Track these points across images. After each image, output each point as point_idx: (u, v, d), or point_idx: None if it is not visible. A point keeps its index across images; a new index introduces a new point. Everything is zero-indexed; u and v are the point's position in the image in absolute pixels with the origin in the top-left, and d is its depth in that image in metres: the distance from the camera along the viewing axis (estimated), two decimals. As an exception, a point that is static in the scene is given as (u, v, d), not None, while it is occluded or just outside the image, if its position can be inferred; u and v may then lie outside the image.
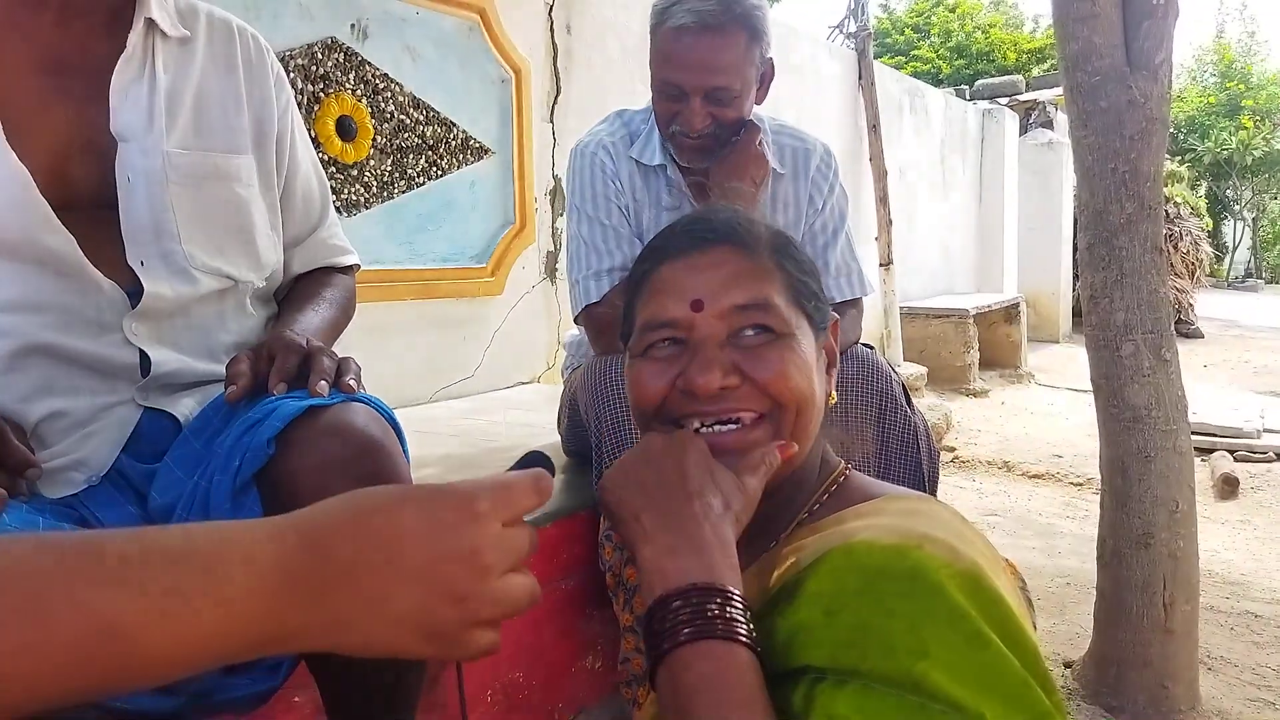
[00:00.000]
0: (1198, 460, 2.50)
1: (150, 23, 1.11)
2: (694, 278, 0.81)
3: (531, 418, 2.60)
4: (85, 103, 1.07)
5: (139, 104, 1.10)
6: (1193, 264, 10.38)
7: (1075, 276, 9.06)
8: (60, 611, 0.43)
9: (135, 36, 1.09)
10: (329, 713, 1.05)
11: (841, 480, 0.84)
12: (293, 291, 1.33)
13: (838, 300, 1.84)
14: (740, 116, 1.72)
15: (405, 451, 1.07)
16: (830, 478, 0.85)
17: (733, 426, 0.79)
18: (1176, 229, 9.97)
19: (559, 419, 2.04)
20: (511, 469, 0.64)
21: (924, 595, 0.63)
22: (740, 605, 0.66)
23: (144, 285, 1.07)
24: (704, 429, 0.80)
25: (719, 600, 0.65)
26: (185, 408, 1.11)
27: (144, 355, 1.09)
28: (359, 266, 1.41)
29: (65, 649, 0.43)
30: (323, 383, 1.02)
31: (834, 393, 0.86)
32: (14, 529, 0.87)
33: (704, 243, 0.83)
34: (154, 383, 1.10)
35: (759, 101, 1.76)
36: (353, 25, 2.60)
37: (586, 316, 1.78)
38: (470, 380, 3.02)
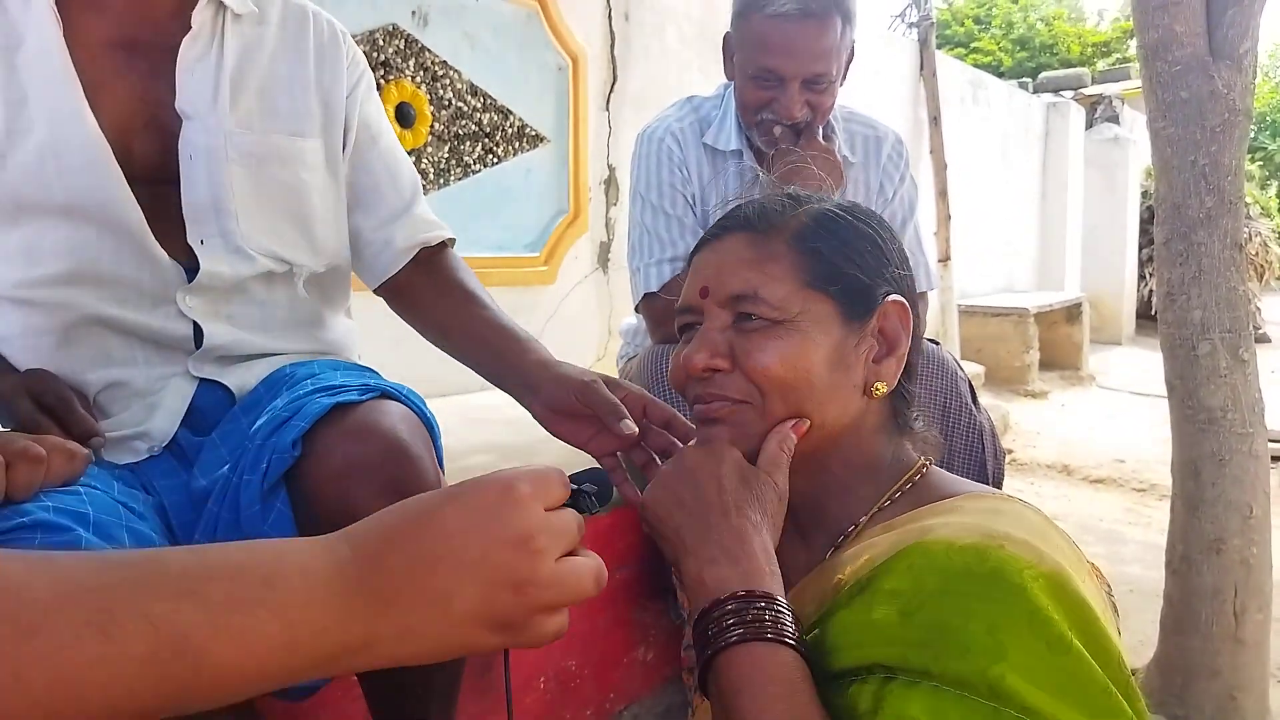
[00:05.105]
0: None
1: (219, 2, 1.12)
2: (707, 264, 0.84)
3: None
4: (151, 79, 1.09)
5: (205, 81, 1.10)
6: (1261, 266, 10.05)
7: (1140, 277, 8.85)
8: (130, 624, 0.44)
9: (201, 14, 1.10)
10: (371, 705, 1.06)
11: (918, 477, 0.82)
12: (450, 285, 1.26)
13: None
14: (834, 101, 1.71)
15: (439, 448, 1.06)
16: (906, 474, 0.82)
17: (719, 404, 0.82)
18: (1246, 229, 9.66)
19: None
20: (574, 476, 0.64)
21: (1004, 597, 0.61)
22: (783, 608, 0.67)
23: (201, 263, 1.08)
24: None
25: (761, 604, 0.66)
26: (239, 379, 1.12)
27: (197, 328, 1.11)
28: (454, 240, 1.35)
29: (138, 662, 0.44)
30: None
31: (881, 384, 0.82)
32: (96, 489, 0.90)
33: (724, 230, 0.85)
34: (207, 355, 1.11)
35: (840, 84, 1.74)
36: (413, 12, 2.61)
37: (646, 305, 1.76)
38: (522, 369, 3.00)
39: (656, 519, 0.77)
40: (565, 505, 0.58)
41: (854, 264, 0.81)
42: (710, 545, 0.71)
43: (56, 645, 0.42)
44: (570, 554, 0.57)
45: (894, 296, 0.83)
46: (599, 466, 0.76)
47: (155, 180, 1.07)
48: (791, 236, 0.82)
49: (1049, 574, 0.62)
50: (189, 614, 0.46)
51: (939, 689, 0.59)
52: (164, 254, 1.07)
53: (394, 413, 0.99)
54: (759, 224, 0.83)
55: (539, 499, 0.55)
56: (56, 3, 1.03)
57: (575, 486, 0.62)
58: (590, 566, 0.57)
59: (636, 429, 0.99)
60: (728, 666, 0.64)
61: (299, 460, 0.95)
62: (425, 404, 1.09)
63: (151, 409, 1.08)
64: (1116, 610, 0.75)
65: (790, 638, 0.65)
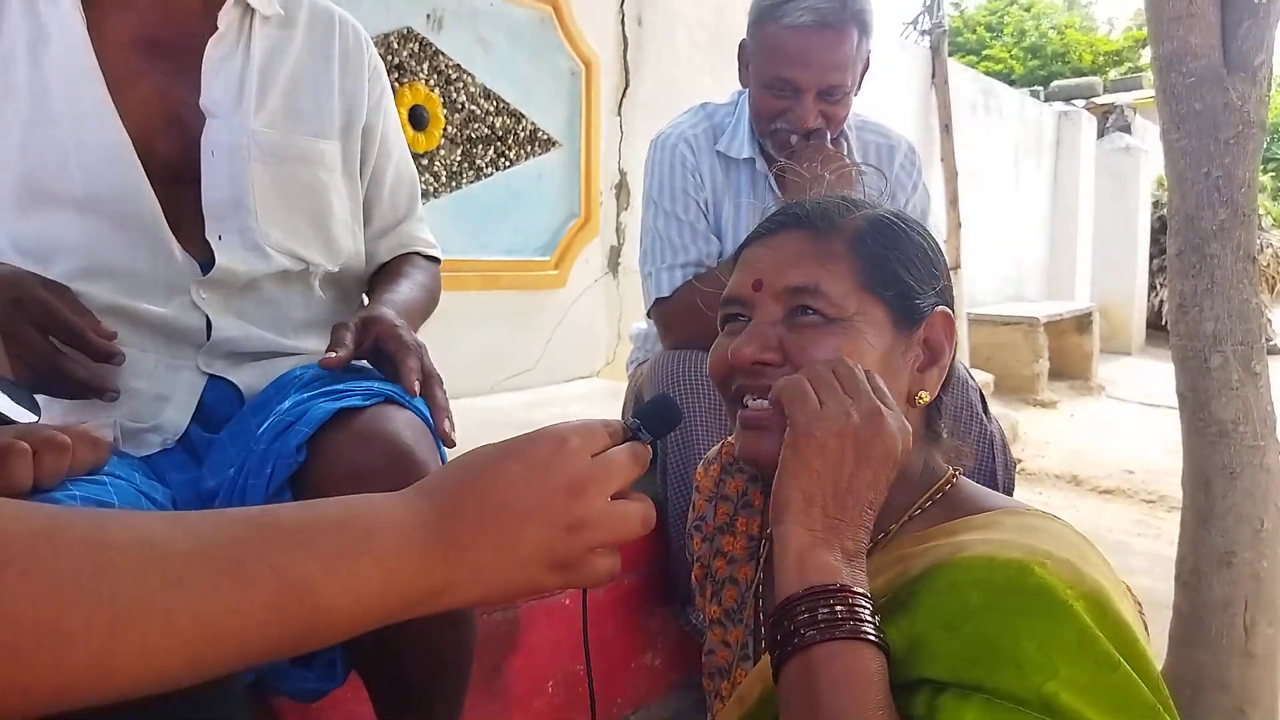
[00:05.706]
0: None
1: (245, 4, 1.14)
2: (762, 258, 0.83)
3: (592, 411, 2.59)
4: (175, 78, 1.10)
5: (230, 80, 1.12)
6: (1274, 278, 10.03)
7: (1151, 287, 8.82)
8: (258, 573, 0.49)
9: (228, 15, 1.12)
10: (376, 708, 1.06)
11: (948, 487, 0.81)
12: (383, 270, 1.34)
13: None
14: (849, 112, 1.72)
15: (442, 456, 1.06)
16: (936, 484, 0.81)
17: (766, 403, 0.79)
18: (1259, 241, 9.62)
19: (623, 413, 2.02)
20: (639, 411, 0.69)
21: (1051, 614, 0.61)
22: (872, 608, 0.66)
23: (217, 258, 1.09)
24: (750, 402, 0.81)
25: (864, 602, 0.65)
26: (247, 377, 1.13)
27: (209, 321, 1.11)
28: (440, 260, 1.41)
29: (265, 607, 0.49)
30: (417, 383, 1.05)
31: (925, 393, 0.83)
32: (120, 479, 0.90)
33: (780, 226, 0.85)
34: (216, 349, 1.12)
35: (855, 94, 1.74)
36: (428, 15, 2.62)
37: (658, 310, 1.76)
38: (530, 373, 3.02)
39: (804, 469, 0.69)
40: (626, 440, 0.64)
41: (908, 272, 0.82)
42: (828, 520, 0.68)
43: (199, 594, 0.47)
44: (623, 496, 0.62)
45: (941, 308, 0.83)
46: (665, 394, 0.76)
47: (175, 178, 1.09)
48: (850, 238, 0.82)
49: (1089, 594, 0.62)
50: (305, 563, 0.51)
51: (992, 701, 0.59)
52: (180, 249, 1.09)
53: (399, 418, 0.99)
54: (819, 223, 0.82)
55: (586, 448, 0.61)
56: (83, 0, 1.04)
57: (636, 424, 0.67)
58: (638, 508, 0.62)
59: (344, 352, 1.04)
60: (829, 658, 0.62)
61: (304, 464, 0.95)
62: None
63: (163, 402, 1.09)
64: (1147, 629, 0.75)
65: (885, 647, 0.64)
